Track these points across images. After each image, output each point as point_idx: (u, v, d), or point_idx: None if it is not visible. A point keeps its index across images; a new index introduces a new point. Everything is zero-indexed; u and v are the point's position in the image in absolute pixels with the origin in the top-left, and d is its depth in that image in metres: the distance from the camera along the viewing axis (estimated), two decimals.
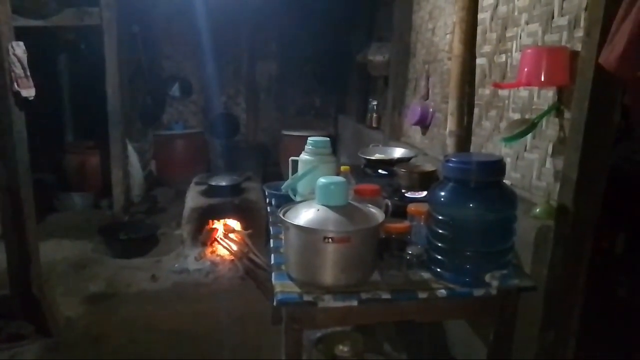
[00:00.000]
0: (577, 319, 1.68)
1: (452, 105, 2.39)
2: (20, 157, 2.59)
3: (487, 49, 2.23)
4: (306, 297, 1.46)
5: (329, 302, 1.46)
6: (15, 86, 2.48)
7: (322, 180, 1.56)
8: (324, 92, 6.15)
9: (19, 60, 2.50)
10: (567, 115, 1.66)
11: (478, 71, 2.31)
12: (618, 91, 1.52)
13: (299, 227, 1.48)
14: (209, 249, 3.85)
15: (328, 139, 2.09)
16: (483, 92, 2.27)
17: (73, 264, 3.82)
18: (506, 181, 1.78)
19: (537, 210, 1.67)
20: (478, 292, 1.53)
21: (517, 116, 1.96)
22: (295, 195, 2.03)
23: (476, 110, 2.33)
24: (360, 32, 4.82)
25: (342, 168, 2.13)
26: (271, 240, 1.90)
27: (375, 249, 1.55)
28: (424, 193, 2.14)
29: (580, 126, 1.53)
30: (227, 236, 3.93)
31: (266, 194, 2.31)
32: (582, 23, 1.59)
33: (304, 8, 5.43)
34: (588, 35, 1.50)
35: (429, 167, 2.36)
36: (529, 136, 1.83)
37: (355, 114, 5.05)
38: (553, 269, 1.64)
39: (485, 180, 1.53)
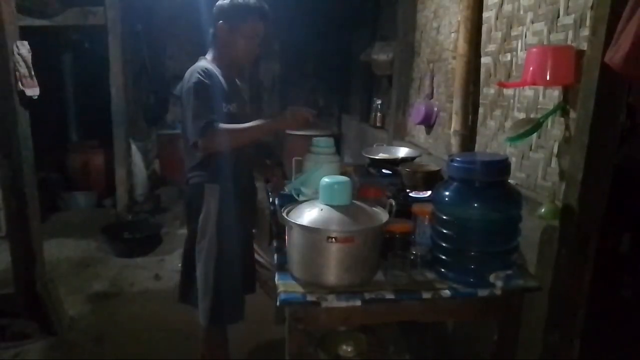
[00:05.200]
0: (582, 319, 1.67)
1: (456, 104, 2.38)
2: (24, 157, 2.60)
3: (492, 48, 2.22)
4: (309, 297, 1.45)
5: (333, 302, 1.46)
6: (20, 85, 2.48)
7: (325, 179, 1.56)
8: (327, 92, 6.14)
9: (24, 60, 2.50)
10: (572, 114, 1.65)
11: (483, 70, 2.30)
12: (623, 90, 1.51)
13: (302, 227, 1.47)
14: None
15: (332, 138, 2.09)
16: (488, 91, 2.26)
17: (77, 263, 3.83)
18: (511, 181, 1.78)
19: (542, 210, 1.66)
20: (482, 292, 1.52)
21: (522, 115, 1.95)
22: (298, 195, 2.02)
23: (481, 110, 2.32)
24: (363, 31, 4.81)
25: (346, 168, 2.14)
26: (274, 240, 1.90)
27: (379, 249, 1.54)
28: (428, 193, 2.14)
29: (585, 126, 1.52)
30: None
31: (270, 193, 2.31)
32: (587, 22, 1.58)
33: (307, 7, 5.42)
34: (594, 34, 1.49)
35: (433, 167, 2.35)
36: (534, 136, 1.82)
37: (359, 113, 5.04)
38: (558, 269, 1.64)
39: (490, 180, 1.52)
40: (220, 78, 1.96)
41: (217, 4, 2.01)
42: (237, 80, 2.17)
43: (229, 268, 2.03)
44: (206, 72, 1.89)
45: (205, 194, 1.98)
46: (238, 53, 2.04)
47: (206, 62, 1.98)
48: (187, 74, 1.95)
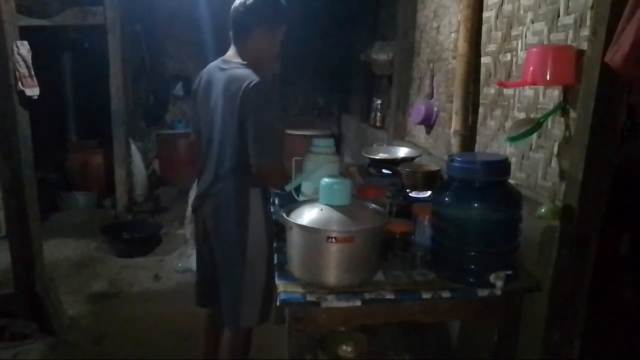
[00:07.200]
0: (582, 319, 1.67)
1: (456, 104, 2.38)
2: (24, 157, 2.60)
3: (492, 47, 2.22)
4: (309, 297, 1.46)
5: (332, 302, 1.46)
6: (20, 85, 2.48)
7: (325, 179, 1.55)
8: (327, 92, 6.13)
9: (24, 60, 2.50)
10: (572, 114, 1.64)
11: (483, 70, 2.30)
12: (624, 90, 1.51)
13: (302, 227, 1.47)
14: None
15: (332, 138, 2.08)
16: (488, 91, 2.26)
17: (76, 263, 3.83)
18: (511, 181, 1.78)
19: (543, 210, 1.66)
20: (482, 292, 1.52)
21: (522, 115, 1.95)
22: (298, 195, 2.02)
23: (481, 110, 2.32)
24: (363, 31, 4.80)
25: (350, 169, 2.14)
26: (274, 240, 1.89)
27: (379, 249, 1.54)
28: (428, 193, 2.14)
29: (585, 126, 1.52)
30: None
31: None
32: (588, 22, 1.58)
33: (307, 7, 5.42)
34: (594, 34, 1.48)
35: (433, 167, 2.35)
36: (534, 136, 1.82)
37: (359, 113, 5.03)
38: (558, 269, 1.63)
39: (490, 180, 1.52)
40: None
41: (252, 3, 1.88)
42: None
43: (273, 267, 2.05)
44: (269, 90, 1.91)
45: (250, 198, 1.93)
46: (269, 55, 2.01)
47: (254, 74, 1.85)
48: (250, 85, 1.80)
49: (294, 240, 1.51)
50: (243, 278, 1.96)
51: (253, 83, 1.80)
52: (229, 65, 1.92)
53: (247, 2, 1.89)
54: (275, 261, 1.71)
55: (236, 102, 1.81)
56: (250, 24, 1.90)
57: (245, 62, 1.91)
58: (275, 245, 1.85)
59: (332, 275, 1.47)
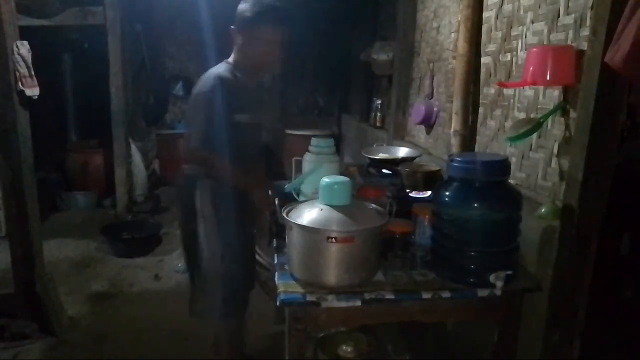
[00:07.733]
0: (582, 319, 1.67)
1: (456, 104, 2.38)
2: (24, 157, 2.60)
3: (492, 47, 2.22)
4: (309, 297, 1.46)
5: (332, 302, 1.46)
6: (20, 85, 2.48)
7: (325, 179, 1.55)
8: (327, 92, 6.13)
9: (24, 60, 2.50)
10: (572, 114, 1.64)
11: (483, 70, 2.30)
12: (624, 90, 1.51)
13: (302, 227, 1.47)
14: None
15: (332, 138, 2.08)
16: (488, 91, 2.26)
17: (76, 263, 3.83)
18: (511, 181, 1.78)
19: (543, 210, 1.66)
20: (482, 292, 1.52)
21: (522, 115, 1.95)
22: (298, 195, 2.02)
23: (481, 110, 2.32)
24: (363, 31, 4.80)
25: (350, 169, 2.14)
26: (274, 240, 1.89)
27: (379, 249, 1.54)
28: (428, 193, 2.14)
29: (585, 126, 1.52)
30: None
31: (269, 193, 2.30)
32: (588, 22, 1.58)
33: (307, 7, 5.42)
34: (594, 34, 1.48)
35: (433, 167, 2.35)
36: (534, 136, 1.82)
37: (359, 113, 5.03)
38: (558, 269, 1.63)
39: (490, 180, 1.52)
40: (237, 85, 1.98)
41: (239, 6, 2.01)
42: (263, 84, 2.23)
43: (234, 263, 2.07)
44: (216, 83, 1.91)
45: (197, 189, 2.01)
46: (255, 59, 2.02)
47: (225, 68, 1.99)
48: (202, 78, 1.98)
49: (294, 240, 1.51)
50: (196, 268, 2.08)
51: (208, 73, 1.94)
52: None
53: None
54: (275, 261, 1.71)
55: (191, 97, 2.00)
56: (233, 26, 2.00)
57: (230, 61, 2.02)
58: (275, 244, 1.85)
59: (332, 275, 1.47)
